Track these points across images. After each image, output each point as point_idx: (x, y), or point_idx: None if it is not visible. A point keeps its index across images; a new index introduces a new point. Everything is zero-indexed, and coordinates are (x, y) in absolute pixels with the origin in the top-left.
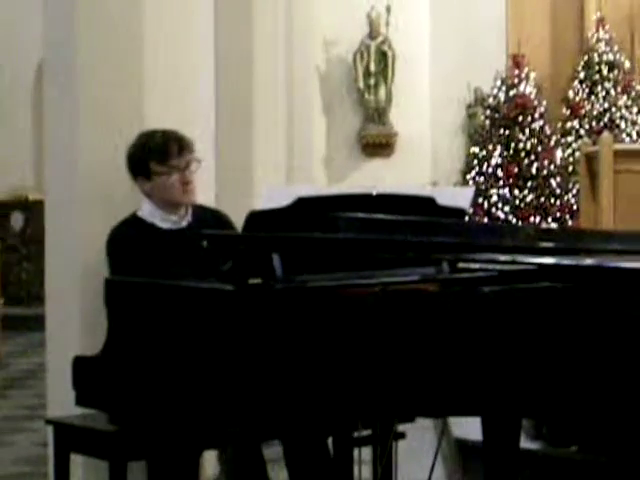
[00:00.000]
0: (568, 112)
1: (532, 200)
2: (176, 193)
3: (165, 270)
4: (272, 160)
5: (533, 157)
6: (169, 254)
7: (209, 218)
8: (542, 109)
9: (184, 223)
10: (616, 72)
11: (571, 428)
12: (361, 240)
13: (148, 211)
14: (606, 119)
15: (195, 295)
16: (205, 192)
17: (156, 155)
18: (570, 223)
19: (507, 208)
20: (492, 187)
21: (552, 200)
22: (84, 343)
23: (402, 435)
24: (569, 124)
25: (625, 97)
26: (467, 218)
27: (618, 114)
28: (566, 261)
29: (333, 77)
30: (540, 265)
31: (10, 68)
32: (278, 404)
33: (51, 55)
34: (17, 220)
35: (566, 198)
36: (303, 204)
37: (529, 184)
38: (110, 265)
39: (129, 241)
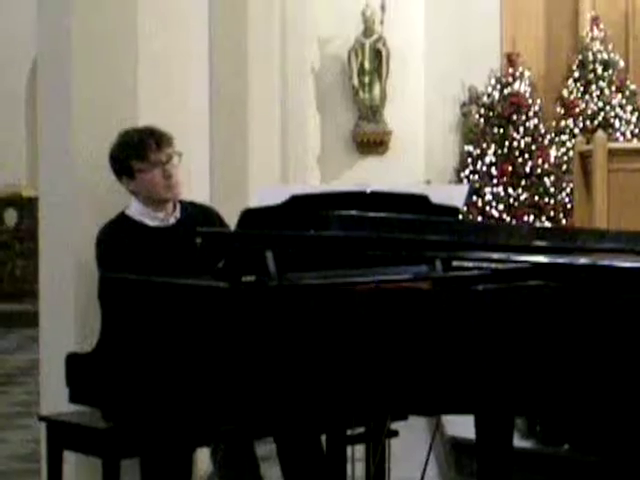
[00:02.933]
0: (562, 111)
1: (526, 199)
2: (160, 188)
3: (154, 268)
4: (266, 158)
5: (527, 156)
6: (158, 252)
7: (198, 214)
8: (536, 108)
9: (172, 220)
10: (610, 71)
11: (564, 427)
12: (355, 238)
13: (136, 209)
14: (600, 118)
15: (189, 292)
16: (200, 190)
17: (135, 152)
18: (564, 222)
19: (501, 206)
20: (486, 185)
21: (546, 199)
22: (78, 340)
23: (395, 433)
24: (563, 123)
25: (619, 96)
26: (461, 216)
27: (612, 113)
28: (560, 260)
29: (328, 75)
30: (534, 264)
31: (4, 66)
32: (272, 402)
33: (45, 53)
34: (11, 217)
35: (560, 197)
36: (297, 202)
37: (523, 182)
38: (99, 265)
39: (117, 240)
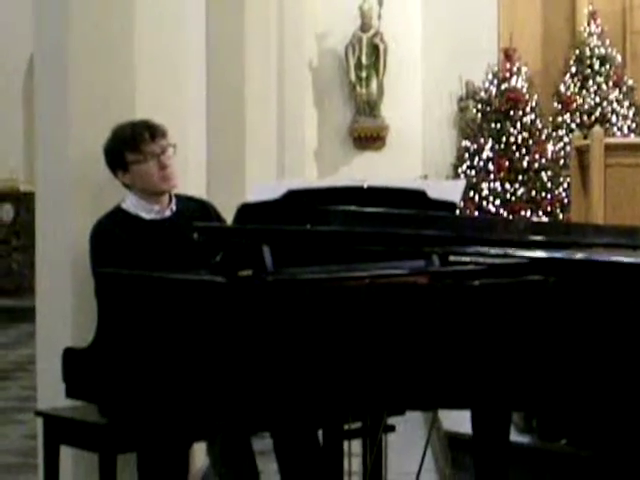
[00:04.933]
0: (559, 106)
1: (523, 194)
2: (155, 180)
3: (150, 261)
4: (263, 153)
5: (524, 151)
6: (154, 244)
7: (194, 208)
8: (533, 103)
9: (168, 213)
10: (607, 66)
11: (561, 421)
12: (352, 233)
13: (131, 202)
14: (597, 113)
15: (186, 287)
16: (196, 185)
17: (129, 144)
18: (561, 217)
19: (498, 202)
20: (483, 180)
21: (543, 194)
22: (74, 335)
23: (392, 428)
24: (560, 118)
25: (616, 91)
26: (458, 211)
27: (609, 108)
28: (557, 255)
29: (325, 70)
30: (530, 258)
31: (1, 61)
32: (268, 396)
33: (42, 48)
34: (8, 211)
35: (557, 192)
36: (294, 197)
37: (520, 178)
38: (92, 259)
39: (111, 234)
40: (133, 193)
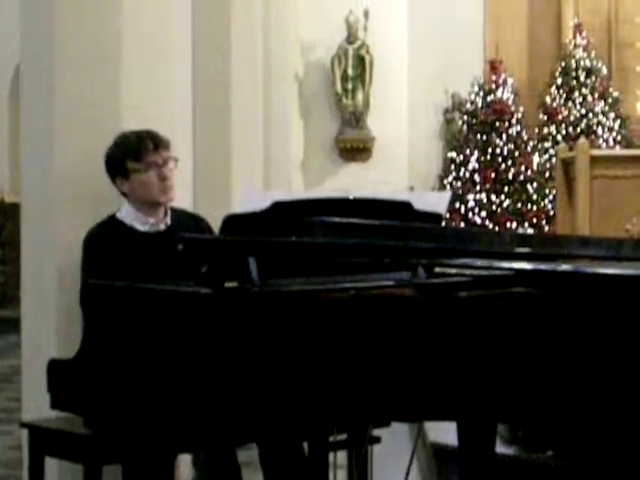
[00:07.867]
0: (545, 118)
1: (509, 205)
2: (154, 191)
3: (140, 273)
4: (249, 164)
5: (510, 162)
6: (145, 257)
7: (188, 222)
8: (519, 115)
9: (162, 226)
10: (593, 78)
11: (547, 433)
12: (337, 244)
13: (127, 213)
14: (583, 125)
15: (171, 298)
16: (183, 196)
17: (132, 153)
18: (547, 228)
19: (484, 213)
20: (469, 192)
21: (529, 205)
22: (59, 346)
23: (377, 439)
24: (546, 130)
25: (602, 103)
26: (443, 223)
27: (595, 120)
28: (542, 267)
29: (311, 81)
30: (516, 270)
31: None
32: (254, 408)
33: (28, 58)
34: None
35: (543, 203)
36: (279, 208)
37: (506, 189)
38: (83, 267)
39: (104, 243)
40: (130, 203)
